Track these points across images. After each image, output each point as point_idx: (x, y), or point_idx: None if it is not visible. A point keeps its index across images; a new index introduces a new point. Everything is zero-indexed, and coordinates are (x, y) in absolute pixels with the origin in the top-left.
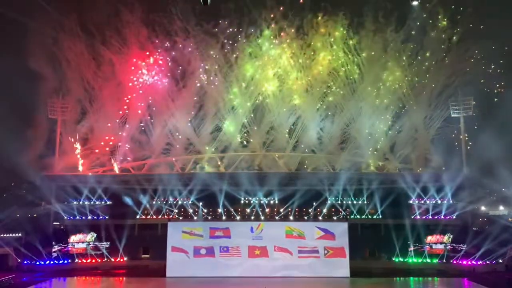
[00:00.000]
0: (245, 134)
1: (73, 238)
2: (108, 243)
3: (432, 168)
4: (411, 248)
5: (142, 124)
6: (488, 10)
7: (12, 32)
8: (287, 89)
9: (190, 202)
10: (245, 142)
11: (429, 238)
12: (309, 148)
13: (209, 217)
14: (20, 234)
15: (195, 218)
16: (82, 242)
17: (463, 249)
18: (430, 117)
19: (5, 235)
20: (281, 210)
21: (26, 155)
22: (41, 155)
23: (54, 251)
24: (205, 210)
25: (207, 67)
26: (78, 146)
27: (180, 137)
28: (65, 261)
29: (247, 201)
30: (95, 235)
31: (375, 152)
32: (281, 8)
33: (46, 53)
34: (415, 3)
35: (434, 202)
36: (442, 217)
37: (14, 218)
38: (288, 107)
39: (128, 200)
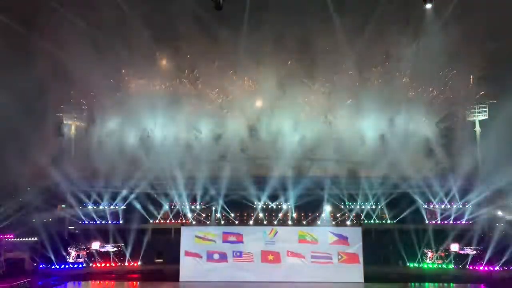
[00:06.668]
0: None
1: (87, 243)
2: (122, 248)
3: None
4: (428, 254)
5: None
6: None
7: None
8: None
9: (203, 207)
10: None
11: (446, 243)
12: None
13: (222, 222)
14: (36, 238)
15: (208, 223)
16: (97, 247)
17: (479, 254)
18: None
19: (21, 239)
20: (294, 215)
21: (40, 160)
22: (54, 160)
23: (69, 255)
24: (218, 215)
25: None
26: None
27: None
28: (80, 265)
29: (259, 206)
30: (109, 239)
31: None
32: None
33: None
34: (428, 6)
35: (450, 206)
36: (459, 221)
37: (30, 222)
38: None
39: (141, 205)
